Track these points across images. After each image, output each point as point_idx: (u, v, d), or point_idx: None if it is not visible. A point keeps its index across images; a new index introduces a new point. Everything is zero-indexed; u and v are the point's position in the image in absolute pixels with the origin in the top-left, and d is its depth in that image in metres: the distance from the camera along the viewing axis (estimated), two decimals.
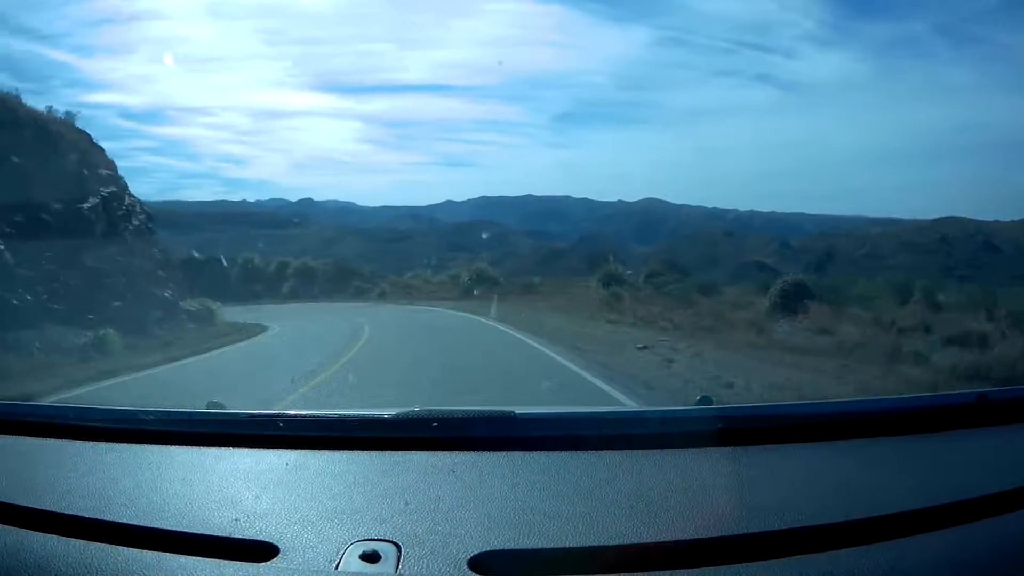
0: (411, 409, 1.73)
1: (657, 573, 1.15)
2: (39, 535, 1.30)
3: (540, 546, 1.22)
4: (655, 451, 1.58)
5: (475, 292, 31.25)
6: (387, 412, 1.75)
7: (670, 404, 7.20)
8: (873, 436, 1.63)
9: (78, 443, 1.76)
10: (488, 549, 1.20)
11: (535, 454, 1.59)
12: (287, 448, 1.66)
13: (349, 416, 1.86)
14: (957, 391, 2.50)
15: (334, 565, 1.19)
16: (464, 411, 1.72)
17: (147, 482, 1.53)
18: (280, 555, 1.21)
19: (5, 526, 1.33)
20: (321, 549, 1.22)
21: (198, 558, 1.22)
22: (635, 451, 1.59)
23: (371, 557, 1.19)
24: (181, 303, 19.83)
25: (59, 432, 1.82)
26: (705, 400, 2.21)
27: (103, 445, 1.74)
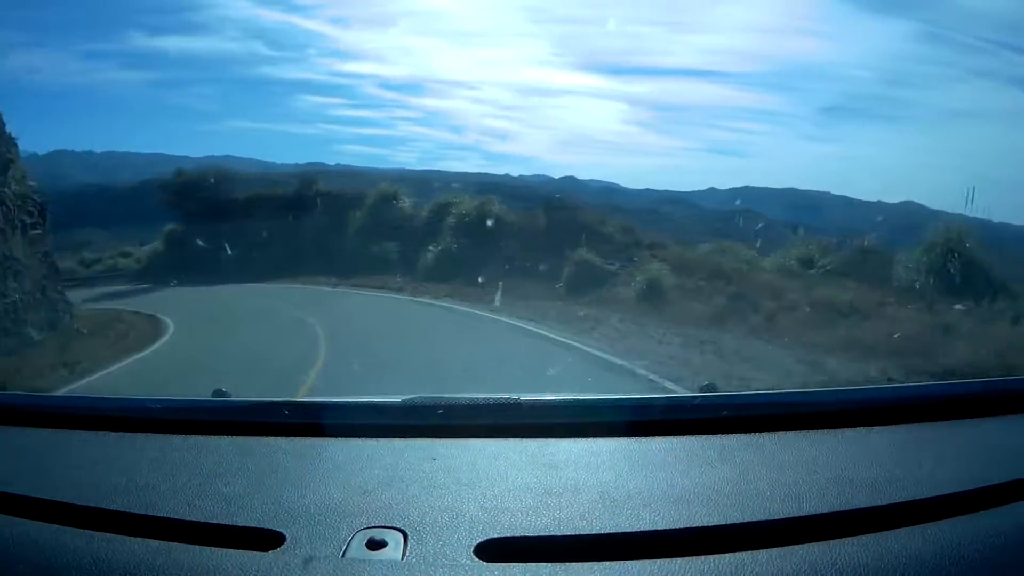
0: (417, 396, 1.74)
1: (663, 560, 1.15)
2: (45, 525, 1.30)
3: (546, 533, 1.23)
4: (660, 438, 1.59)
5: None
6: (393, 399, 1.76)
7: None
8: (878, 424, 1.62)
9: (82, 433, 1.77)
10: (494, 536, 1.21)
11: (539, 441, 1.60)
12: (293, 436, 1.67)
13: (355, 403, 1.89)
14: (964, 380, 2.43)
15: (340, 553, 1.18)
16: (470, 398, 1.72)
17: (152, 471, 1.53)
18: (286, 544, 1.21)
19: (12, 517, 1.34)
20: (327, 537, 1.22)
21: (204, 547, 1.21)
22: (640, 438, 1.59)
23: (377, 545, 1.19)
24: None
25: (63, 422, 1.82)
26: (710, 387, 2.19)
27: (108, 435, 1.75)
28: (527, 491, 1.37)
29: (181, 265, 28.55)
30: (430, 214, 23.32)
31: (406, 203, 24.83)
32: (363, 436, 1.67)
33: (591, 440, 1.61)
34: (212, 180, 29.33)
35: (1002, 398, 1.74)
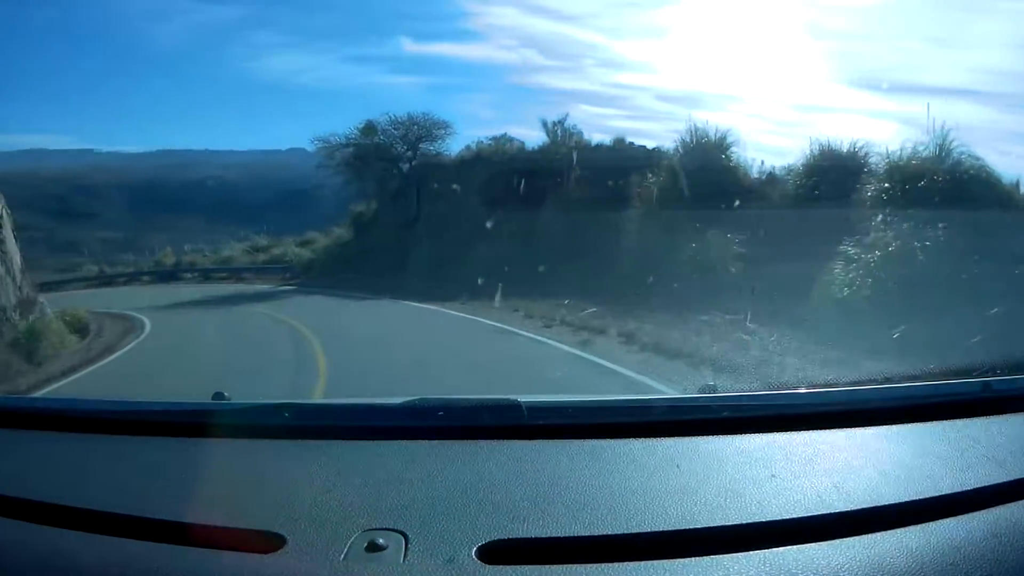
0: (417, 398, 1.75)
1: (667, 561, 1.15)
2: (46, 528, 1.31)
3: (547, 535, 1.23)
4: (661, 439, 1.59)
5: None
6: (393, 401, 1.77)
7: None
8: (875, 425, 1.63)
9: (84, 436, 1.77)
10: (495, 538, 1.21)
11: (541, 443, 1.60)
12: (293, 438, 1.68)
13: (355, 405, 1.92)
14: (962, 380, 2.12)
15: (342, 555, 1.18)
16: (470, 400, 1.74)
17: (153, 474, 1.54)
18: (287, 545, 1.21)
19: (13, 520, 1.34)
20: (328, 539, 1.22)
21: (205, 549, 1.22)
22: (642, 439, 1.59)
23: (378, 547, 1.19)
24: None
25: (64, 425, 1.82)
26: (710, 388, 2.22)
27: (109, 438, 1.75)
28: (530, 493, 1.37)
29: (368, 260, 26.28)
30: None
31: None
32: (364, 438, 1.68)
33: (593, 441, 1.61)
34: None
35: (1004, 398, 1.73)
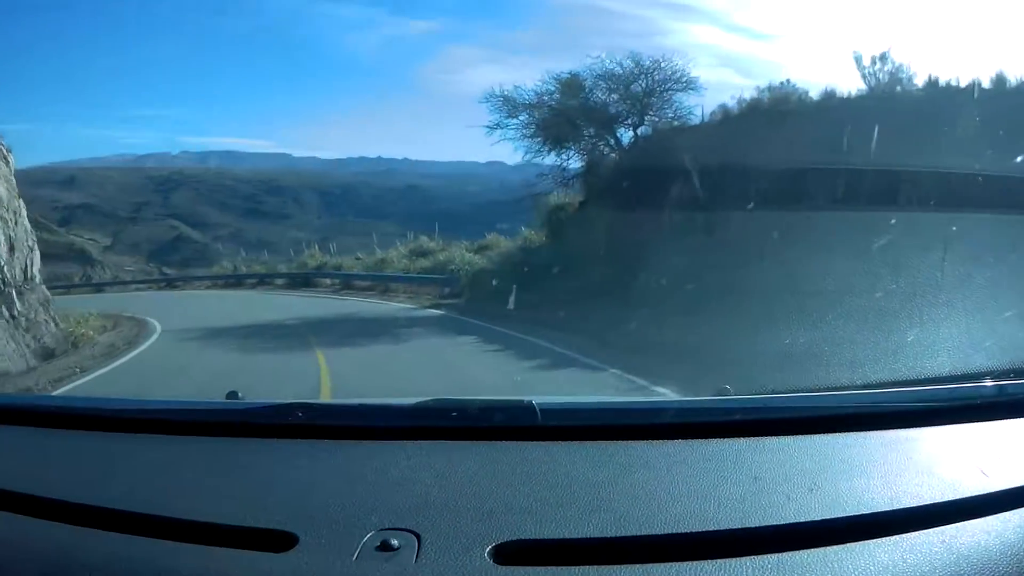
0: (430, 398, 1.74)
1: (680, 564, 1.14)
2: (58, 524, 1.32)
3: (560, 536, 1.22)
4: (674, 441, 1.57)
5: None
6: (406, 401, 1.77)
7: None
8: (890, 428, 1.60)
9: (98, 434, 1.80)
10: (508, 539, 1.20)
11: (553, 444, 1.59)
12: (306, 438, 1.68)
13: (368, 405, 1.90)
14: (976, 384, 1.93)
15: (353, 555, 1.18)
16: (483, 401, 1.72)
17: (167, 473, 1.56)
18: (299, 545, 1.21)
19: (27, 516, 1.37)
20: (340, 539, 1.22)
21: (217, 548, 1.22)
22: (654, 441, 1.58)
23: (390, 547, 1.18)
24: None
25: (79, 423, 1.86)
26: (724, 390, 2.18)
27: (123, 436, 1.77)
28: (543, 494, 1.36)
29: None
30: None
31: None
32: (376, 438, 1.67)
33: (607, 443, 1.60)
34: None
35: (1018, 402, 1.68)
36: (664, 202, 15.64)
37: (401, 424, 1.72)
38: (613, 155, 20.09)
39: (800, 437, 1.58)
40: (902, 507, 1.25)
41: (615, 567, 1.14)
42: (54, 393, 8.82)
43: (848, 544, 1.15)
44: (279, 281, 32.34)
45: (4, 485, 1.47)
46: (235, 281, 34.34)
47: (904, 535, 1.17)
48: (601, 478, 1.42)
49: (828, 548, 1.15)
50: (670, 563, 1.14)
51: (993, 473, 1.37)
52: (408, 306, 20.30)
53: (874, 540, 1.16)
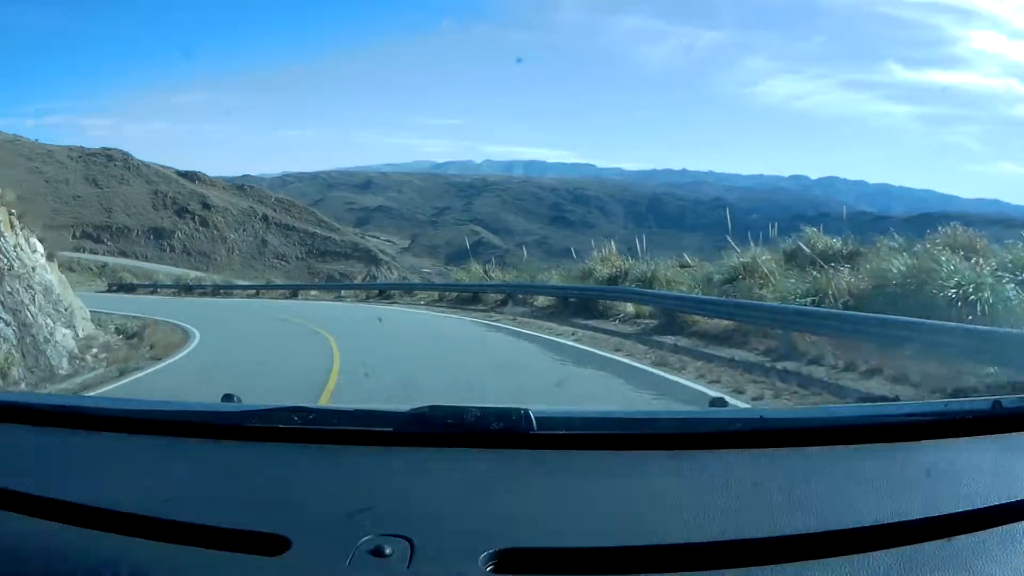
0: (426, 405, 1.69)
1: (673, 574, 1.15)
2: (52, 524, 1.34)
3: (555, 545, 1.22)
4: (671, 452, 1.57)
5: None
6: (401, 408, 1.72)
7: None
8: (885, 441, 1.59)
9: (92, 434, 1.80)
10: (502, 547, 1.19)
11: (548, 452, 1.59)
12: (301, 442, 1.67)
13: (364, 410, 1.86)
14: (972, 399, 2.06)
15: (346, 560, 1.17)
16: (479, 408, 1.65)
17: (160, 474, 1.57)
18: (292, 549, 1.21)
19: (22, 515, 1.39)
20: (333, 544, 1.21)
21: (209, 550, 1.22)
22: (648, 452, 1.58)
23: (383, 552, 1.18)
24: None
25: (74, 423, 1.85)
26: (718, 402, 2.15)
27: (117, 436, 1.78)
28: (538, 502, 1.36)
29: None
30: None
31: None
32: (372, 443, 1.65)
33: (602, 452, 1.59)
34: None
35: (1014, 417, 1.67)
36: None
37: (396, 430, 1.68)
38: None
39: (798, 449, 1.57)
40: (900, 520, 1.24)
41: None
42: None
43: (847, 556, 1.15)
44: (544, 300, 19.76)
45: (1, 484, 1.50)
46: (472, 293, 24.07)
47: (902, 548, 1.17)
48: (596, 488, 1.43)
49: (826, 560, 1.14)
50: (665, 573, 1.15)
51: (989, 486, 1.38)
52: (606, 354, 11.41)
53: (873, 552, 1.16)
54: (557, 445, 1.60)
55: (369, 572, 1.15)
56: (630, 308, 15.62)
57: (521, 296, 20.80)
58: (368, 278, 49.29)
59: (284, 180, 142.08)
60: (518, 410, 1.63)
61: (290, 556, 1.19)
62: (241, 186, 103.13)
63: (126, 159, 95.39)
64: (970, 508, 1.29)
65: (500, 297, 21.70)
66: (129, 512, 1.33)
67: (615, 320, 15.46)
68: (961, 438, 1.61)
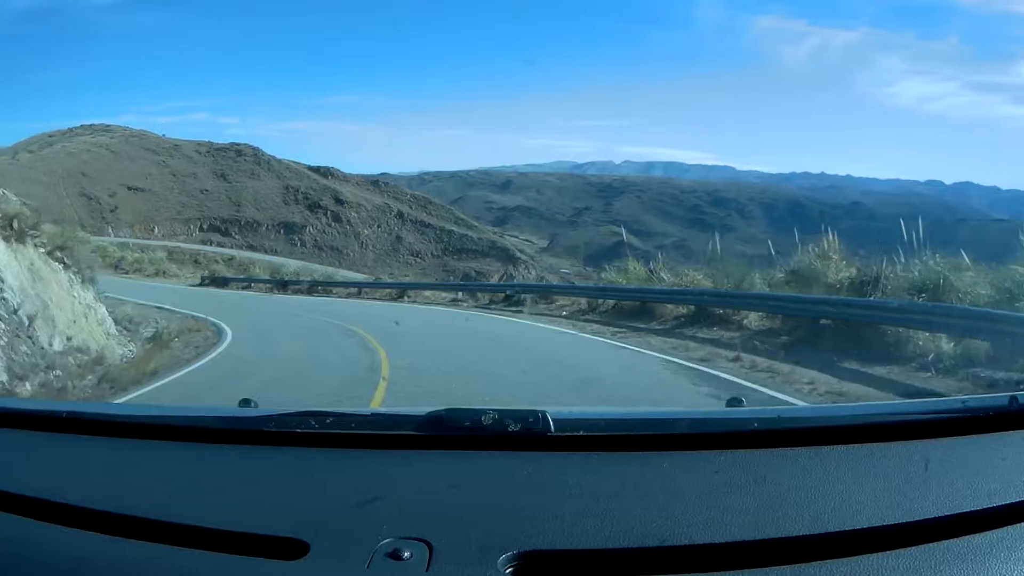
0: (444, 408, 1.70)
1: (691, 575, 1.15)
2: (67, 529, 1.34)
3: (573, 547, 1.21)
4: (689, 452, 1.58)
5: None
6: (419, 411, 1.73)
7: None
8: (903, 439, 1.60)
9: (110, 440, 1.82)
10: (521, 549, 1.19)
11: (567, 454, 1.58)
12: (318, 446, 1.67)
13: (381, 414, 1.92)
14: (989, 394, 2.10)
15: (365, 564, 1.18)
16: (496, 411, 1.65)
17: (178, 479, 1.58)
18: (310, 553, 1.21)
19: (37, 521, 1.42)
20: (352, 547, 1.22)
21: (227, 555, 1.23)
22: (666, 452, 1.58)
23: (401, 556, 1.18)
24: None
25: (88, 429, 1.86)
26: (735, 401, 2.20)
27: (134, 442, 1.78)
28: (556, 504, 1.34)
29: None
30: None
31: None
32: (390, 447, 1.66)
33: (621, 454, 1.59)
34: None
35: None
36: None
37: (414, 433, 1.68)
38: None
39: (816, 448, 1.57)
40: (918, 519, 1.25)
41: None
42: None
43: (864, 556, 1.15)
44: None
45: (18, 490, 1.52)
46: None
47: (920, 547, 1.17)
48: (614, 489, 1.42)
49: (843, 559, 1.14)
50: (683, 574, 1.15)
51: (1010, 482, 1.38)
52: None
53: (890, 551, 1.16)
54: (575, 447, 1.60)
55: (388, 575, 1.15)
56: (944, 344, 9.02)
57: (720, 311, 14.31)
58: (505, 277, 48.56)
59: (423, 179, 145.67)
60: (535, 412, 1.63)
61: (309, 560, 1.20)
62: (376, 182, 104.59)
63: (256, 154, 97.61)
64: (989, 505, 1.28)
65: (683, 312, 15.51)
66: (147, 517, 1.35)
67: (932, 371, 8.58)
68: (981, 435, 1.61)
